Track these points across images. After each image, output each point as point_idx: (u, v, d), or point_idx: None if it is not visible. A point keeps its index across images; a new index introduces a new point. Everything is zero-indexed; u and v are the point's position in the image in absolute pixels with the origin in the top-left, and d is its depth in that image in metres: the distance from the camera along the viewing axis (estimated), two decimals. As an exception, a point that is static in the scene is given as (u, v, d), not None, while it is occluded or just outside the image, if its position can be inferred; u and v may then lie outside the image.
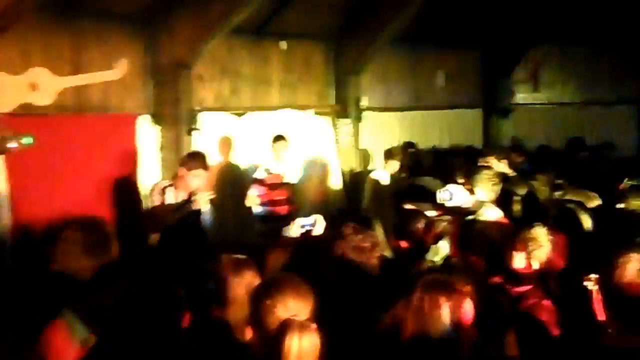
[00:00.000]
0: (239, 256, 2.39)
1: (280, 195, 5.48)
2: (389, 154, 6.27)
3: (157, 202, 4.29)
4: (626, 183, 3.94)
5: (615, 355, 1.83)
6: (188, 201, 4.25)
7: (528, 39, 8.28)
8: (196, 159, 4.38)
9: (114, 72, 5.17)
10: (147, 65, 5.48)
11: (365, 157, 7.27)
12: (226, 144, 5.95)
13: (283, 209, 5.43)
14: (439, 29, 7.53)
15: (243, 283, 2.08)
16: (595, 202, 3.78)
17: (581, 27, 8.18)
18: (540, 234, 2.62)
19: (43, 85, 4.79)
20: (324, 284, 2.08)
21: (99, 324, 1.87)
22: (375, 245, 2.59)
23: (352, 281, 2.43)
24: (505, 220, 3.34)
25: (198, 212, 4.32)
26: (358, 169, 7.10)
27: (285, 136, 5.62)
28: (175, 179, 4.42)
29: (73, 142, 4.86)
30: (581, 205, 3.57)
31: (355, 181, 6.95)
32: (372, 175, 6.27)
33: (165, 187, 4.34)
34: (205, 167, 4.36)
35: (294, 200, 5.58)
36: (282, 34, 6.44)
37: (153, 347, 1.83)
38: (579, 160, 6.68)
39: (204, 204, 4.28)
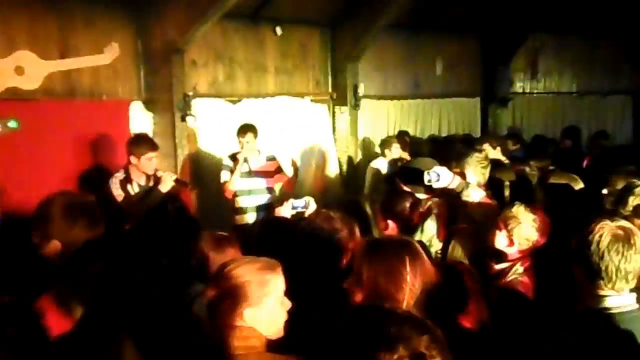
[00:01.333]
0: (221, 233, 2.46)
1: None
2: (384, 144, 6.21)
3: (119, 197, 4.16)
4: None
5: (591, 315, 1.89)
6: (154, 186, 4.14)
7: (527, 27, 8.23)
8: (140, 143, 4.26)
9: (103, 57, 5.01)
10: (139, 50, 5.31)
11: (364, 145, 7.16)
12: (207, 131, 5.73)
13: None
14: (438, 16, 7.44)
15: (224, 260, 2.05)
16: (579, 185, 3.83)
17: (579, 16, 8.17)
18: (520, 212, 2.67)
19: (29, 69, 4.63)
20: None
21: (86, 296, 1.89)
22: (352, 231, 2.50)
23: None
24: (489, 201, 3.37)
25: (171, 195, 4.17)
26: (356, 158, 6.99)
27: (254, 127, 5.03)
28: (128, 169, 4.25)
29: (62, 128, 4.69)
30: (567, 189, 3.59)
31: (354, 170, 6.86)
32: (373, 164, 6.18)
33: (122, 179, 4.20)
34: (154, 147, 4.26)
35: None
36: (277, 19, 6.28)
37: (140, 318, 1.85)
38: (563, 148, 6.70)
39: (169, 184, 4.12)
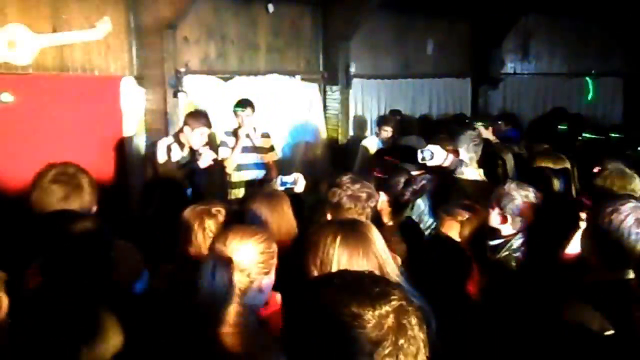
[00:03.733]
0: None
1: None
2: (381, 121, 6.31)
3: (161, 160, 4.43)
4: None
5: (592, 288, 1.91)
6: (193, 158, 4.42)
7: (518, 7, 8.30)
8: (199, 117, 4.57)
9: (96, 32, 5.11)
10: (131, 25, 5.39)
11: (355, 124, 7.29)
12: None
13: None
14: (430, -5, 7.54)
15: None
16: (564, 164, 3.94)
17: None
18: (512, 189, 2.78)
19: (21, 43, 4.72)
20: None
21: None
22: (370, 195, 2.69)
23: None
24: (482, 179, 3.50)
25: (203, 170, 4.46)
26: (347, 137, 7.10)
27: (252, 102, 5.22)
28: (177, 137, 4.55)
29: (55, 103, 4.79)
30: (553, 171, 3.72)
31: (345, 148, 7.00)
32: (364, 143, 6.32)
33: (170, 145, 4.49)
34: (208, 124, 4.56)
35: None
36: (270, -4, 6.38)
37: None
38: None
39: (207, 161, 4.41)
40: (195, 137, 4.48)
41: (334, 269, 1.73)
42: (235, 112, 5.15)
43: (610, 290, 1.85)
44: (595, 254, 1.93)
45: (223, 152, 5.10)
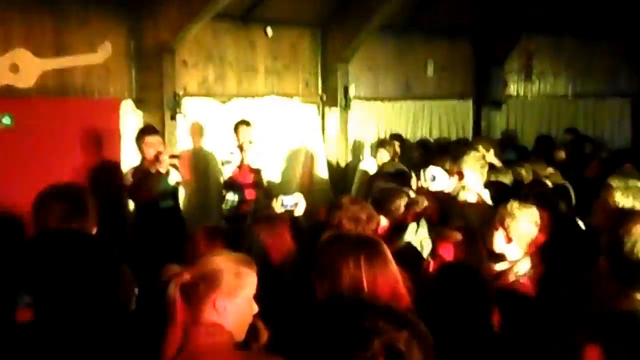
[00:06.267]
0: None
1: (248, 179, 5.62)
2: (381, 145, 6.43)
3: (129, 182, 4.73)
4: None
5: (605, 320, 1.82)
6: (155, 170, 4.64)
7: (520, 27, 8.39)
8: (141, 131, 4.92)
9: (97, 56, 5.37)
10: (131, 49, 5.64)
11: (354, 147, 7.41)
12: (198, 130, 6.14)
13: (250, 194, 5.58)
14: (429, 16, 7.69)
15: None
16: (548, 170, 3.94)
17: (575, 15, 8.29)
18: (515, 207, 2.72)
19: (24, 67, 4.97)
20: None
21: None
22: (371, 216, 2.78)
23: None
24: (484, 202, 3.51)
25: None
26: (346, 159, 7.25)
27: (249, 121, 5.73)
28: (143, 160, 4.79)
29: (55, 126, 5.02)
30: (559, 190, 3.78)
31: (344, 171, 7.15)
32: (362, 166, 6.48)
33: (137, 167, 4.77)
34: (150, 132, 4.84)
35: (261, 184, 5.73)
36: (268, 20, 6.60)
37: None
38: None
39: (166, 162, 4.63)
40: (144, 149, 4.72)
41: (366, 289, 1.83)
42: (234, 129, 5.62)
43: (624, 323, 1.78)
44: (610, 278, 1.93)
45: (227, 171, 5.52)
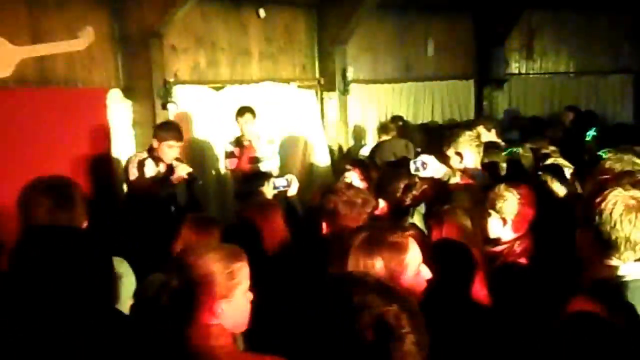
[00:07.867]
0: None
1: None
2: (383, 129, 6.26)
3: (133, 177, 4.40)
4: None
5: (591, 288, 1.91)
6: (167, 175, 4.43)
7: (521, 4, 8.33)
8: (167, 129, 4.55)
9: (78, 42, 5.04)
10: (115, 35, 5.34)
11: (355, 132, 7.24)
12: (190, 119, 5.84)
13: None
14: (428, -7, 7.57)
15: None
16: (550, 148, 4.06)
17: None
18: (502, 189, 2.78)
19: (0, 55, 4.65)
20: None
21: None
22: (366, 201, 2.74)
23: None
24: (473, 183, 3.49)
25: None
26: (347, 145, 7.06)
27: (252, 109, 5.36)
28: (151, 151, 4.52)
29: (36, 118, 4.71)
30: (556, 174, 3.70)
31: (345, 157, 6.93)
32: (364, 152, 6.27)
33: (143, 160, 4.45)
34: (178, 137, 4.51)
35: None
36: (260, 1, 6.33)
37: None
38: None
39: (182, 175, 4.44)
40: (164, 150, 4.46)
41: None
42: (236, 120, 5.29)
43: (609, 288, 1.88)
44: (590, 247, 1.95)
45: (230, 164, 5.26)
